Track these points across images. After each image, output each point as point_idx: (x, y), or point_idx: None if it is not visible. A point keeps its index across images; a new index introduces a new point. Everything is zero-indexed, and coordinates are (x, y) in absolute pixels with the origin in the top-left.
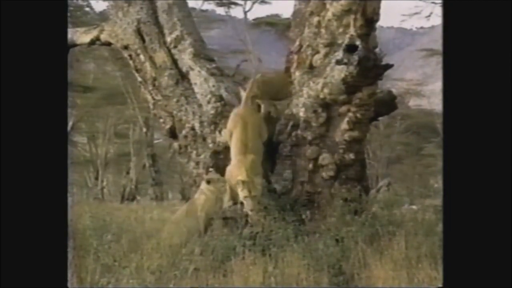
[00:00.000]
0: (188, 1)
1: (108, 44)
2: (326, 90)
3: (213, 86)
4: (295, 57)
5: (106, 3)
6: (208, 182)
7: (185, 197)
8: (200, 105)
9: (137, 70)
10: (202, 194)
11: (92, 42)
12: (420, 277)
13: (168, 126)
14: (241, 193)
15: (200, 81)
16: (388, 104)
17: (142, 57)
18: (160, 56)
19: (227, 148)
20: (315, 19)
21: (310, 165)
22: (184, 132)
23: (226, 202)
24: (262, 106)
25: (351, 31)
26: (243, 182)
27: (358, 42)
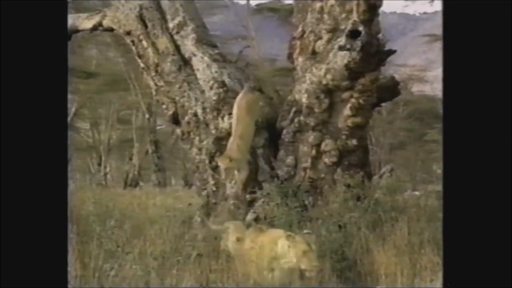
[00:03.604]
0: None
1: (111, 30)
2: (329, 76)
3: (216, 72)
4: (298, 43)
5: None
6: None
7: (188, 183)
8: (202, 91)
9: (140, 56)
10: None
11: (95, 28)
12: (423, 262)
13: (170, 112)
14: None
15: (203, 67)
16: (391, 90)
17: (144, 43)
18: (163, 42)
19: (230, 134)
20: (318, 5)
21: (313, 151)
22: (186, 118)
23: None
24: None
25: (354, 16)
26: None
27: (361, 28)
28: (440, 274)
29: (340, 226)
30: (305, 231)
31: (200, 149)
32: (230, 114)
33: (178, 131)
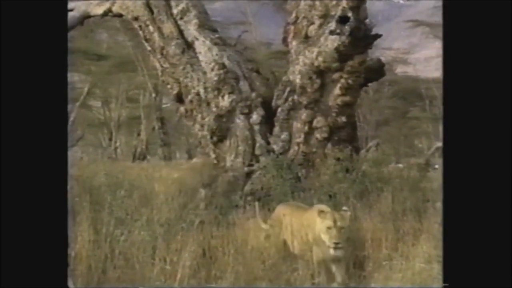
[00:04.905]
0: None
1: (120, 15)
2: (320, 58)
3: (216, 54)
4: (292, 28)
5: None
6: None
7: (191, 157)
8: (204, 72)
9: (147, 40)
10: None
11: (105, 14)
12: (405, 228)
13: (175, 92)
14: None
15: (205, 50)
16: (377, 71)
17: (151, 28)
18: (168, 27)
19: (229, 112)
20: None
21: (306, 128)
22: (190, 97)
23: None
24: None
25: (343, 3)
26: None
27: (349, 14)
28: (421, 239)
29: (330, 196)
30: (343, 208)
31: (202, 126)
32: (230, 93)
33: (182, 109)
